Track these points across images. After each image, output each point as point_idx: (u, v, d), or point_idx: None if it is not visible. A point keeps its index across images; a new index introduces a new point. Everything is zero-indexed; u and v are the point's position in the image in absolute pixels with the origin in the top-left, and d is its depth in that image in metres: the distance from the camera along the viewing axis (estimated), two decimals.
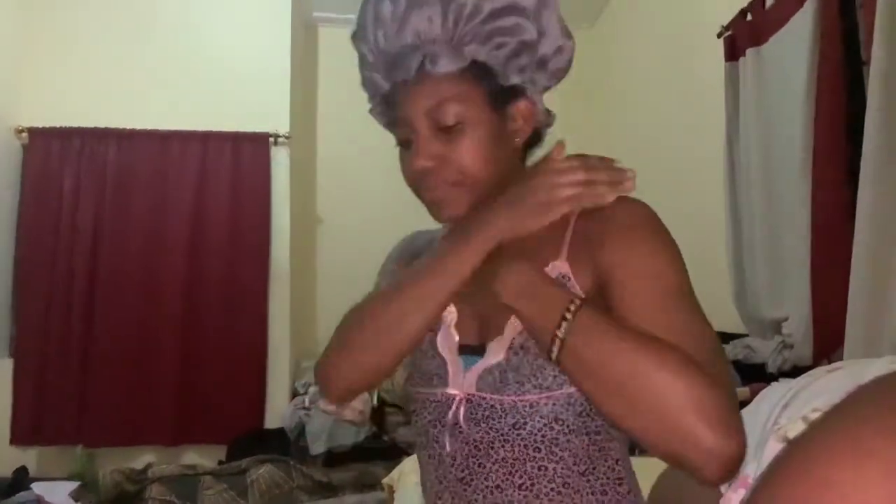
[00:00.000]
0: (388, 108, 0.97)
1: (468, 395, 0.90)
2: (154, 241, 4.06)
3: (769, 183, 2.59)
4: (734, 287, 2.79)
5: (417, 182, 0.92)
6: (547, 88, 0.98)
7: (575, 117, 4.89)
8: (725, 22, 2.89)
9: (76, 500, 3.01)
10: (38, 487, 3.28)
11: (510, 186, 0.89)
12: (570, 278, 0.87)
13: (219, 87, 4.18)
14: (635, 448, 2.73)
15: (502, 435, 0.87)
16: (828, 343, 2.24)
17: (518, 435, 0.86)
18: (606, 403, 0.76)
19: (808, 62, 2.31)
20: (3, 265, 3.98)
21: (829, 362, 1.84)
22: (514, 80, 0.92)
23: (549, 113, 0.99)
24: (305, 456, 3.71)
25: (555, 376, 0.84)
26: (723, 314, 2.89)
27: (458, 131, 0.88)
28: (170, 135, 4.14)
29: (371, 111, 1.01)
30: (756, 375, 2.39)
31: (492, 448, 0.87)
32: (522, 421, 0.86)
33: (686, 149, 3.54)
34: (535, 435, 0.85)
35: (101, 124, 4.09)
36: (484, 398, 0.88)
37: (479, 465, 0.88)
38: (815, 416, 0.58)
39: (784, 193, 2.48)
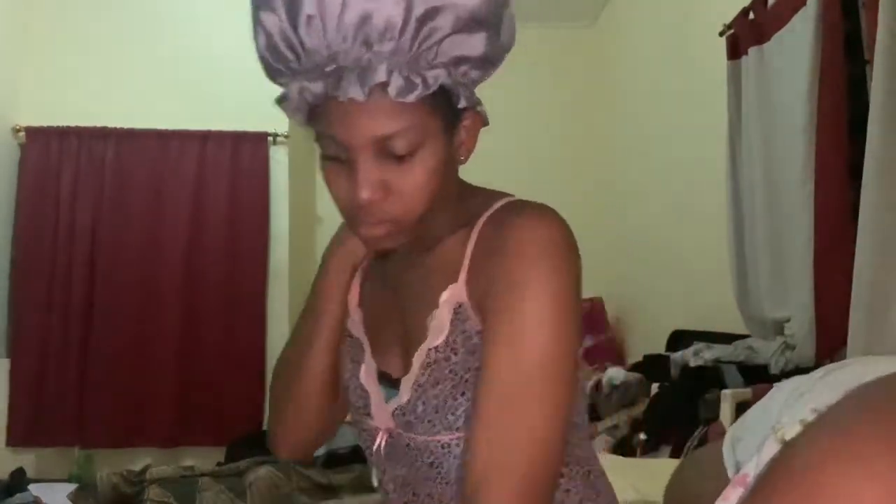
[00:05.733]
0: (311, 112, 0.79)
1: (388, 429, 0.87)
2: (152, 241, 4.06)
3: (771, 182, 2.58)
4: (736, 287, 2.78)
5: (353, 210, 0.78)
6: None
7: (575, 117, 4.89)
8: (727, 20, 2.88)
9: (74, 502, 3.00)
10: (35, 489, 3.27)
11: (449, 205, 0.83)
12: (467, 307, 0.80)
13: (217, 87, 4.17)
14: (637, 450, 2.71)
15: (422, 471, 0.83)
16: (830, 344, 2.22)
17: (437, 473, 0.82)
18: None
19: (810, 61, 2.29)
20: None
21: (832, 363, 1.83)
22: (466, 100, 0.78)
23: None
24: None
25: (466, 416, 0.79)
26: (725, 315, 2.88)
27: (409, 160, 0.75)
28: (168, 134, 4.13)
29: (280, 103, 0.80)
30: (758, 376, 2.38)
31: (417, 484, 0.84)
32: (438, 461, 0.82)
33: (688, 148, 3.53)
34: (454, 474, 0.81)
35: (100, 123, 4.08)
36: (401, 434, 0.85)
37: (413, 495, 0.86)
38: (812, 416, 0.58)
39: (786, 193, 2.47)
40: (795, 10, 2.42)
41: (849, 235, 2.03)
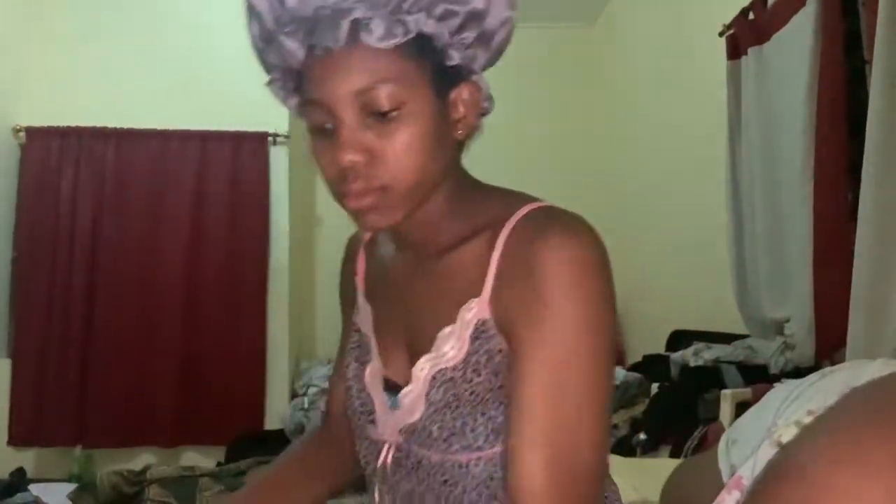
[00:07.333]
0: (297, 81, 0.78)
1: (395, 443, 0.82)
2: (153, 241, 4.05)
3: (771, 183, 2.58)
4: (736, 287, 2.78)
5: (340, 181, 0.75)
6: (485, 69, 0.81)
7: (575, 117, 4.89)
8: (727, 20, 2.88)
9: (74, 502, 3.00)
10: (35, 489, 3.27)
11: (448, 191, 0.80)
12: (491, 325, 0.76)
13: (217, 87, 4.16)
14: (636, 450, 2.71)
15: (433, 490, 0.78)
16: (830, 344, 2.22)
17: (451, 492, 0.77)
18: None
19: (809, 61, 2.29)
20: (0, 265, 3.97)
21: (832, 363, 1.83)
22: (458, 58, 0.75)
23: (490, 99, 0.82)
24: None
25: (486, 435, 0.76)
26: (725, 315, 2.88)
27: (395, 120, 0.72)
28: (168, 134, 4.12)
29: (270, 85, 0.81)
30: (758, 376, 2.38)
31: (424, 501, 0.79)
32: (454, 480, 0.77)
33: (687, 148, 3.53)
34: (470, 493, 0.77)
35: (100, 123, 4.08)
36: (411, 449, 0.80)
37: None
38: (808, 419, 0.59)
39: (786, 193, 2.47)
40: (795, 10, 2.42)
41: (848, 235, 2.03)
